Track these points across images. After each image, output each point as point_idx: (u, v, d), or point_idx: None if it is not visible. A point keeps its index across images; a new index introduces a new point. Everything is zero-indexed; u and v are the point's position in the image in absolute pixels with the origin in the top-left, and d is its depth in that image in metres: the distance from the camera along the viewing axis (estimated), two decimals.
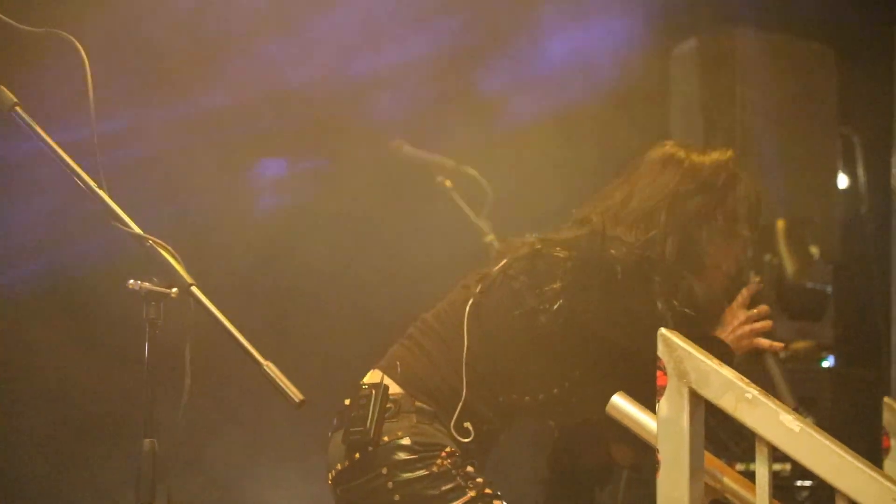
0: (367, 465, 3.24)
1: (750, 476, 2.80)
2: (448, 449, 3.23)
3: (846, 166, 5.84)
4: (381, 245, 5.78)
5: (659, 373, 2.79)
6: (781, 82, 5.69)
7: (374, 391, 3.27)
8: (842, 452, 2.63)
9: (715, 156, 3.37)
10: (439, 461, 3.21)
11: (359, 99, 5.74)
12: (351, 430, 3.26)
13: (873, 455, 3.44)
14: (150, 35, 5.29)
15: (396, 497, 3.20)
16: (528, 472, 4.54)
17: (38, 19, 2.88)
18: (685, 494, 2.72)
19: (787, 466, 5.00)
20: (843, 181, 5.93)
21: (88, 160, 2.72)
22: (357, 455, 3.25)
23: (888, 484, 2.59)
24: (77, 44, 2.81)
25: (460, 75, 5.84)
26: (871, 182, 5.87)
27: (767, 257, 5.38)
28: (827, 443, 2.64)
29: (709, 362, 2.77)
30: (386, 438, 3.23)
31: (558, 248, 3.28)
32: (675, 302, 3.23)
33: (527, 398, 3.30)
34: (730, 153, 3.40)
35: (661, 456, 2.76)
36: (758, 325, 3.40)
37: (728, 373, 2.75)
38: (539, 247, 3.31)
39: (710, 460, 2.89)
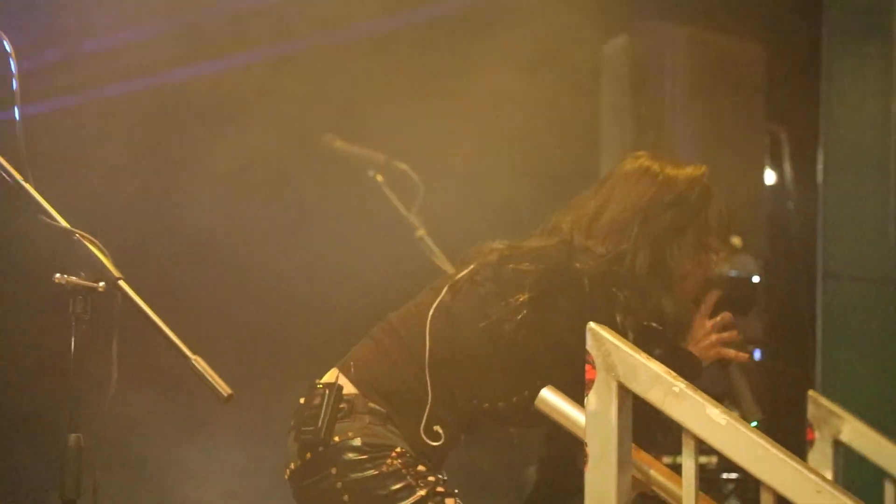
0: (317, 465, 3.24)
1: (677, 469, 2.82)
2: (398, 449, 3.22)
3: (773, 162, 5.89)
4: (311, 240, 5.76)
5: (588, 366, 2.81)
6: (710, 78, 5.73)
7: (327, 391, 3.26)
8: (767, 445, 2.66)
9: (689, 170, 3.39)
10: (389, 461, 3.20)
11: (290, 92, 5.72)
12: (302, 429, 3.25)
13: (799, 448, 3.49)
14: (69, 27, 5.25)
15: (346, 497, 3.20)
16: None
17: None
18: (613, 487, 2.73)
19: (714, 459, 5.04)
20: (770, 177, 5.99)
21: (12, 153, 2.69)
22: (308, 455, 3.25)
23: (812, 476, 2.62)
24: (2, 34, 2.78)
25: (392, 68, 5.83)
26: (797, 178, 5.93)
27: None
28: (752, 436, 2.67)
29: (636, 356, 2.78)
30: (337, 439, 3.22)
31: (526, 258, 3.29)
32: (639, 317, 3.24)
33: (486, 405, 3.29)
34: (703, 168, 3.41)
35: (589, 449, 2.78)
36: (724, 335, 3.43)
37: (656, 366, 2.77)
38: (507, 254, 3.31)
39: (638, 453, 2.91)
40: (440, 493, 3.19)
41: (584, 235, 3.32)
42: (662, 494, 2.92)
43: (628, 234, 3.29)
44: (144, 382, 4.88)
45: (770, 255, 5.67)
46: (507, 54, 5.94)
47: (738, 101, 5.64)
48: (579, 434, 2.87)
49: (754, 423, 3.45)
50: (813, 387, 5.10)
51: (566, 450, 3.43)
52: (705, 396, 2.73)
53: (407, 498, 3.16)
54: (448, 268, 4.23)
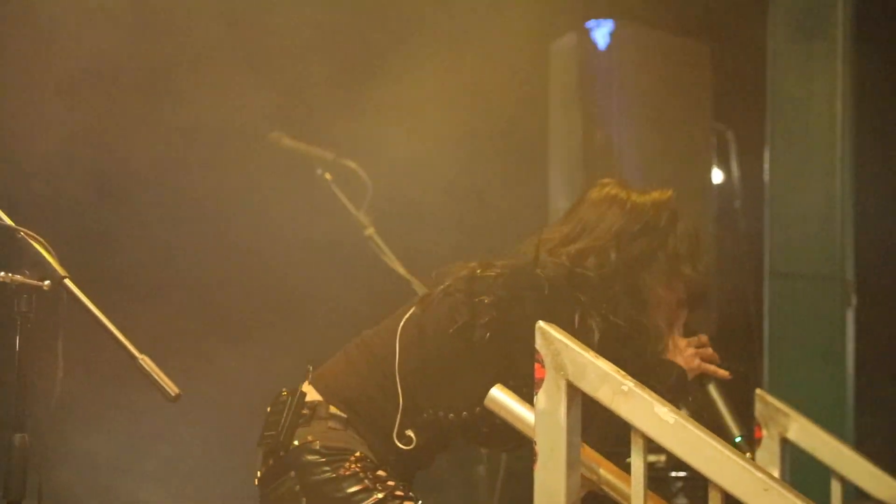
0: (278, 470, 3.25)
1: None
2: (357, 454, 3.23)
3: (720, 161, 5.92)
4: (260, 239, 5.74)
5: (537, 365, 2.81)
6: (657, 78, 5.75)
7: (290, 397, 3.29)
8: (714, 444, 2.67)
9: (655, 195, 3.41)
10: (347, 464, 3.22)
11: (236, 88, 5.69)
12: (264, 434, 3.28)
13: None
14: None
15: (304, 500, 3.21)
16: None
17: None
18: (562, 486, 2.73)
19: (663, 458, 5.06)
20: (717, 176, 6.02)
21: None
22: (270, 461, 3.28)
23: (759, 474, 2.64)
24: None
25: (338, 66, 5.82)
26: (744, 177, 5.96)
27: None
28: (700, 434, 2.68)
29: (586, 355, 2.79)
30: (296, 443, 3.24)
31: (494, 269, 3.30)
32: (605, 316, 3.26)
33: (451, 415, 3.28)
34: (669, 192, 3.43)
35: (538, 448, 2.78)
36: (705, 350, 3.45)
37: (604, 365, 2.77)
38: (478, 270, 3.32)
39: (587, 452, 2.91)
40: (399, 496, 3.20)
41: (550, 255, 3.34)
42: (612, 493, 2.93)
43: (606, 260, 3.32)
44: (91, 381, 4.84)
45: (717, 253, 5.70)
46: (455, 52, 5.94)
47: (684, 100, 5.67)
48: (528, 433, 2.87)
49: (738, 439, 3.46)
50: (760, 385, 5.13)
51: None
52: (653, 395, 2.74)
53: (364, 500, 3.16)
54: (397, 266, 4.23)
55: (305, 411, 3.28)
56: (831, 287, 5.55)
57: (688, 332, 3.48)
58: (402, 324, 3.33)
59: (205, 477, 5.66)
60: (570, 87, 5.82)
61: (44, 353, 2.60)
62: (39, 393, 2.61)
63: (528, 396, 2.93)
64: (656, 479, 5.00)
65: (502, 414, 3.02)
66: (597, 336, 3.20)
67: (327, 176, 4.69)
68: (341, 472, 3.20)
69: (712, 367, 3.46)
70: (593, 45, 5.72)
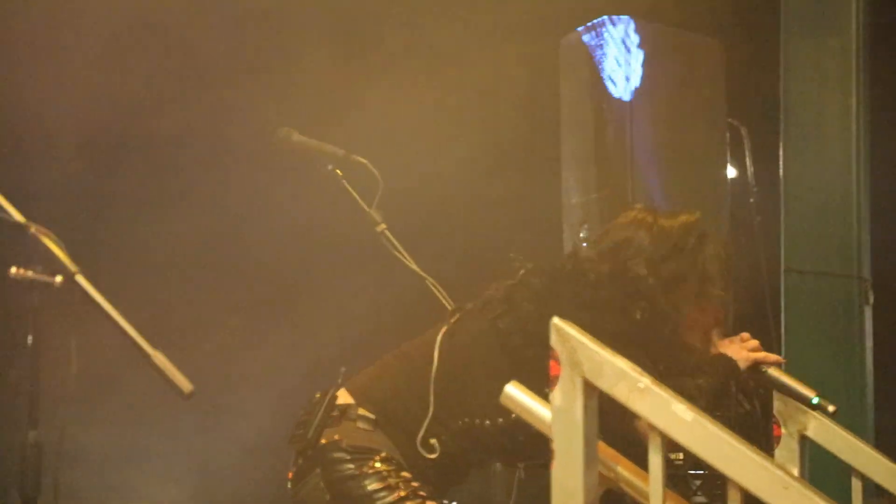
0: (307, 468, 3.33)
1: None
2: (383, 454, 3.29)
3: (734, 157, 5.89)
4: (271, 236, 5.73)
5: (552, 362, 2.78)
6: (670, 74, 5.72)
7: (322, 399, 3.38)
8: (733, 441, 2.64)
9: (682, 218, 3.44)
10: (371, 463, 3.27)
11: (246, 85, 5.68)
12: (295, 433, 3.37)
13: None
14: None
15: (328, 497, 3.27)
16: None
17: None
18: (579, 484, 2.71)
19: (681, 456, 5.04)
20: (731, 172, 5.98)
21: None
22: (300, 460, 3.36)
23: (778, 472, 2.61)
24: None
25: (350, 62, 5.80)
26: (759, 173, 5.93)
27: None
28: (718, 432, 2.65)
29: (602, 352, 2.76)
30: (324, 441, 3.31)
31: (535, 279, 3.37)
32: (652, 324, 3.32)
33: (487, 422, 3.30)
34: (697, 214, 3.47)
35: (554, 446, 2.75)
36: (749, 342, 3.51)
37: (621, 362, 2.74)
38: (517, 283, 3.38)
39: (605, 450, 2.89)
40: (422, 496, 3.24)
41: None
42: (630, 491, 2.90)
43: (641, 282, 3.35)
44: (104, 378, 4.83)
45: (732, 250, 5.66)
46: (466, 49, 5.93)
47: (698, 96, 5.64)
48: (545, 430, 2.84)
49: (815, 400, 3.56)
50: None
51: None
52: (671, 392, 2.71)
53: (385, 498, 3.18)
54: (410, 263, 4.21)
55: (335, 412, 3.34)
56: (848, 284, 5.52)
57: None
58: (441, 333, 3.38)
59: (219, 474, 5.65)
60: (582, 83, 5.79)
61: (57, 350, 2.58)
62: (53, 390, 2.59)
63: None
64: (674, 476, 4.97)
65: (518, 411, 2.99)
66: (640, 315, 3.23)
67: (338, 172, 4.66)
68: (364, 469, 3.25)
69: (762, 354, 3.51)
70: (603, 41, 5.69)
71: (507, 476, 4.79)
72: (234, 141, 5.68)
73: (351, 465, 3.27)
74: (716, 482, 5.08)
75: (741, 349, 3.50)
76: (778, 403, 3.83)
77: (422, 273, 4.18)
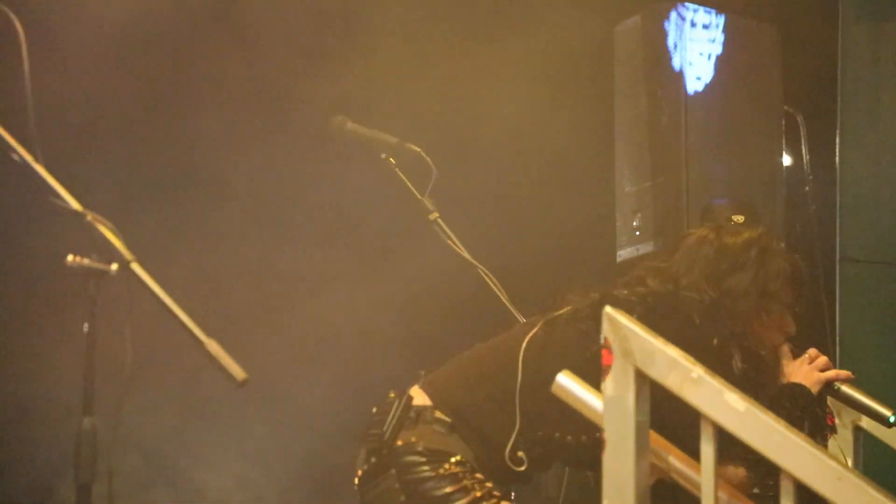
0: (380, 468, 3.36)
1: None
2: (458, 457, 3.32)
3: (790, 145, 5.85)
4: (325, 225, 5.75)
5: (604, 352, 2.78)
6: (725, 60, 5.68)
7: (397, 400, 3.40)
8: (786, 431, 2.63)
9: (745, 234, 3.48)
10: (447, 465, 3.31)
11: (301, 74, 5.70)
12: (369, 433, 3.39)
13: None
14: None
15: (402, 498, 3.31)
16: None
17: None
18: (631, 474, 2.71)
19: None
20: (786, 160, 5.94)
21: (23, 133, 2.67)
22: (373, 458, 3.38)
23: (832, 463, 2.60)
24: (10, 13, 2.76)
25: (406, 51, 5.81)
26: (814, 161, 5.89)
27: None
28: (772, 422, 2.64)
29: (654, 342, 2.76)
30: (400, 443, 3.35)
31: (629, 293, 3.38)
32: (741, 347, 3.36)
33: (569, 437, 3.31)
34: (761, 229, 3.52)
35: (606, 435, 2.75)
36: (818, 361, 3.53)
37: (673, 352, 2.74)
38: (606, 294, 3.40)
39: (656, 440, 2.88)
40: (496, 496, 3.29)
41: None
42: (681, 481, 2.89)
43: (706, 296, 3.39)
44: (160, 366, 4.87)
45: (787, 238, 5.63)
46: (519, 38, 5.91)
47: (754, 83, 5.60)
48: (597, 420, 2.84)
49: (893, 419, 3.55)
50: None
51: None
52: (723, 382, 2.70)
53: (461, 499, 3.22)
54: (462, 251, 4.21)
55: (412, 414, 3.37)
56: None
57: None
58: (525, 344, 3.37)
59: (271, 462, 5.68)
60: (636, 70, 5.77)
61: (113, 337, 2.60)
62: (108, 377, 2.61)
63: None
64: None
65: (569, 401, 2.99)
66: (738, 366, 3.23)
67: (391, 160, 4.66)
68: (440, 471, 3.30)
69: (833, 373, 3.53)
70: (658, 27, 5.65)
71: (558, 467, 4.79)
72: (289, 127, 5.70)
73: (427, 468, 3.30)
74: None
75: (811, 371, 3.51)
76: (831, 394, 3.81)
77: (474, 262, 4.19)
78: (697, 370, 2.70)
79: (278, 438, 5.67)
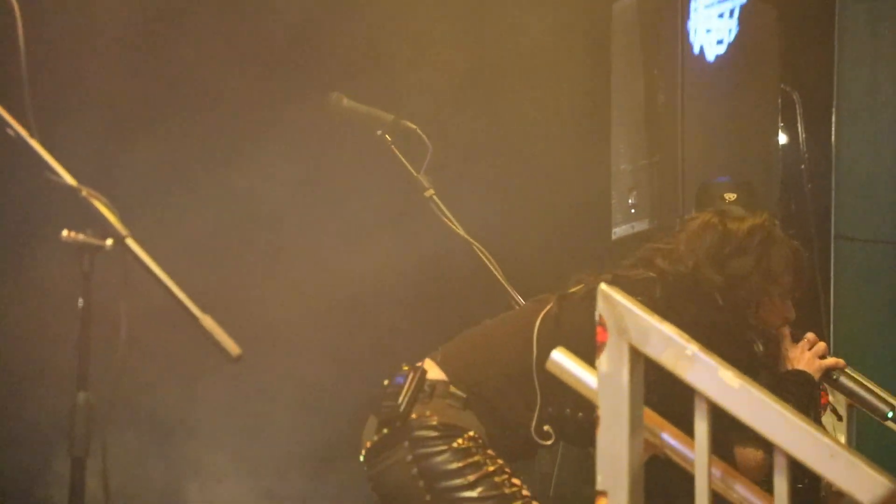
0: (392, 440, 3.38)
1: None
2: (471, 433, 3.35)
3: (786, 123, 5.85)
4: (321, 202, 5.74)
5: (599, 329, 2.78)
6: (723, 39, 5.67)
7: (412, 373, 3.41)
8: (780, 408, 2.63)
9: (749, 220, 3.53)
10: (460, 440, 3.33)
11: (296, 51, 5.69)
12: (383, 404, 3.40)
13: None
14: None
15: (414, 470, 3.33)
16: None
17: None
18: (625, 450, 2.71)
19: None
20: (783, 138, 5.93)
21: (18, 108, 2.66)
22: (385, 430, 3.39)
23: (826, 439, 2.60)
24: None
25: (397, 28, 5.79)
26: (810, 139, 5.89)
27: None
28: (766, 399, 2.64)
29: (649, 318, 2.76)
30: (414, 416, 3.36)
31: (646, 272, 3.43)
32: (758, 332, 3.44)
33: (580, 414, 3.33)
34: (764, 216, 3.56)
35: (600, 412, 2.75)
36: (817, 347, 3.59)
37: (668, 329, 2.74)
38: (620, 273, 3.45)
39: (651, 417, 2.88)
40: (507, 472, 3.32)
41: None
42: (675, 458, 2.90)
43: (706, 279, 3.44)
44: (154, 341, 4.86)
45: (783, 217, 5.63)
46: (516, 15, 5.90)
47: (751, 61, 5.58)
48: (591, 397, 2.85)
49: (890, 415, 3.61)
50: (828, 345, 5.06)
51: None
52: (717, 359, 2.70)
53: (474, 472, 3.27)
54: (457, 228, 4.21)
55: (426, 388, 3.39)
56: None
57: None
58: (538, 321, 3.40)
59: (267, 437, 5.69)
60: (633, 48, 5.75)
61: (108, 313, 2.60)
62: (103, 352, 2.61)
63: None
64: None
65: (564, 377, 2.99)
66: (759, 347, 3.30)
67: (387, 137, 4.66)
68: (453, 446, 3.32)
69: (832, 361, 3.59)
70: (656, 5, 5.64)
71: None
72: (285, 105, 5.69)
73: (440, 441, 3.32)
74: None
75: (813, 359, 3.57)
76: None
77: (469, 239, 4.19)
78: (692, 347, 2.70)
79: (273, 413, 5.68)
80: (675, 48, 5.51)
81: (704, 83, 5.53)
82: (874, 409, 3.60)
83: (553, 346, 3.26)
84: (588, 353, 3.25)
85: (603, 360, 2.78)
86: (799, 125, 5.84)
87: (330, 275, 5.61)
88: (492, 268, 4.09)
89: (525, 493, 3.33)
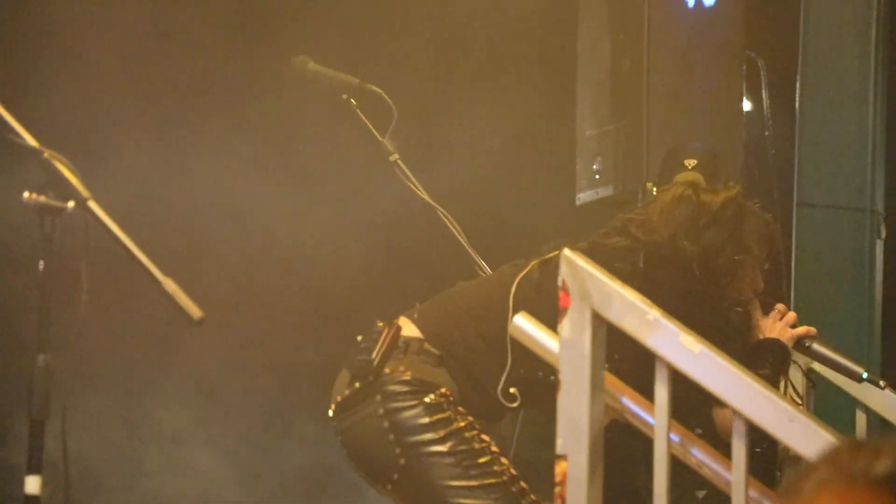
0: (364, 393, 3.37)
1: None
2: (444, 390, 3.35)
3: (751, 90, 5.85)
4: (284, 166, 5.73)
5: (562, 294, 2.79)
6: (687, 5, 5.66)
7: (386, 328, 3.41)
8: (740, 374, 2.66)
9: (723, 193, 3.56)
10: (432, 396, 3.33)
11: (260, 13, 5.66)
12: (357, 358, 3.39)
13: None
14: None
15: (385, 424, 3.33)
16: None
17: None
18: (585, 414, 2.73)
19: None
20: (747, 105, 5.94)
21: None
22: (357, 384, 3.38)
23: (783, 404, 2.63)
24: None
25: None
26: (774, 106, 5.90)
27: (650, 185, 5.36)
28: (726, 364, 2.67)
29: (612, 284, 2.77)
30: (387, 370, 3.36)
31: (623, 240, 3.45)
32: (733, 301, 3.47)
33: (552, 377, 3.33)
34: (737, 188, 3.59)
35: (562, 376, 2.77)
36: (788, 317, 3.62)
37: (630, 295, 2.75)
38: (597, 241, 3.46)
39: (611, 381, 2.90)
40: (477, 429, 3.33)
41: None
42: (635, 423, 2.92)
43: (680, 249, 3.47)
44: (115, 304, 4.85)
45: (746, 183, 5.64)
46: None
47: (716, 27, 5.58)
48: (552, 361, 2.86)
49: (865, 375, 3.64)
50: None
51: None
52: (679, 324, 2.72)
53: (445, 427, 3.28)
54: (422, 193, 4.20)
55: (400, 344, 3.39)
56: (860, 218, 5.50)
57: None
58: (515, 283, 3.41)
59: (227, 400, 5.69)
60: (600, 13, 5.74)
61: (68, 275, 2.59)
62: (64, 315, 2.60)
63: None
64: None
65: (526, 342, 3.01)
66: (735, 317, 3.41)
67: (352, 101, 4.64)
68: (425, 401, 3.32)
69: (803, 330, 3.62)
70: None
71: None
72: (251, 69, 5.66)
73: (412, 396, 3.32)
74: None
75: (785, 328, 3.60)
76: None
77: (434, 204, 4.18)
78: (654, 312, 2.72)
79: (234, 377, 5.68)
80: (641, 13, 5.51)
81: (670, 49, 5.53)
82: (849, 373, 3.64)
83: (529, 310, 3.29)
84: (552, 322, 3.29)
85: (565, 325, 2.79)
86: (763, 91, 5.84)
87: (294, 239, 5.60)
88: (456, 233, 4.09)
89: (493, 448, 3.35)
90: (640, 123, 5.40)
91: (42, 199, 2.59)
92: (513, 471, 3.36)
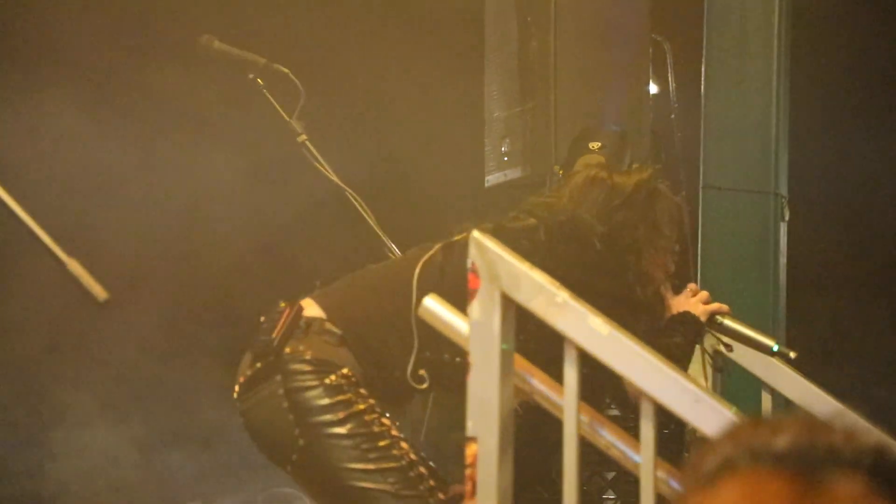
0: (265, 373, 3.35)
1: None
2: (345, 371, 3.33)
3: (657, 73, 5.89)
4: (191, 146, 5.68)
5: (471, 276, 2.79)
6: None
7: (288, 309, 3.39)
8: (647, 355, 2.67)
9: (635, 175, 3.59)
10: (333, 377, 3.32)
11: None
12: (258, 338, 3.38)
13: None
14: None
15: (285, 404, 3.31)
16: None
17: None
18: (495, 396, 2.73)
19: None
20: (653, 88, 5.98)
21: None
22: (259, 364, 3.37)
23: (690, 385, 2.65)
24: None
25: None
26: (680, 89, 5.94)
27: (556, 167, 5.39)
28: (634, 346, 2.68)
29: (520, 266, 2.77)
30: (288, 350, 3.34)
31: (526, 221, 3.46)
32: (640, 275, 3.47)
33: (458, 359, 3.32)
34: (649, 170, 3.63)
35: (471, 358, 2.77)
36: (700, 295, 3.65)
37: (539, 276, 2.76)
38: (503, 223, 3.47)
39: (520, 363, 2.91)
40: (378, 412, 3.32)
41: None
42: (544, 404, 2.93)
43: (589, 230, 3.48)
44: (18, 285, 4.79)
45: (652, 165, 5.67)
46: None
47: (622, 9, 5.61)
48: (462, 343, 2.86)
49: (776, 348, 3.69)
50: None
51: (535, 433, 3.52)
52: (587, 306, 2.73)
53: (345, 410, 3.27)
54: (330, 174, 4.18)
55: (301, 324, 3.37)
56: (764, 201, 5.56)
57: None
58: (419, 266, 3.40)
59: (133, 383, 5.64)
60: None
61: None
62: None
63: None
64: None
65: (435, 324, 3.00)
66: (640, 291, 3.41)
67: (259, 81, 4.60)
68: (325, 381, 3.30)
69: (715, 306, 3.66)
70: None
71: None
72: (156, 45, 5.60)
73: (312, 376, 3.30)
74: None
75: (697, 304, 3.64)
76: None
77: (342, 185, 4.16)
78: (562, 294, 2.73)
79: (140, 359, 5.63)
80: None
81: (577, 31, 5.55)
82: (760, 346, 3.70)
83: (434, 292, 3.29)
84: (459, 303, 3.29)
85: (475, 307, 2.79)
86: (669, 75, 5.89)
87: (201, 222, 5.56)
88: (365, 215, 4.08)
89: (394, 432, 3.34)
90: (548, 106, 5.41)
91: None
92: (412, 455, 3.35)
